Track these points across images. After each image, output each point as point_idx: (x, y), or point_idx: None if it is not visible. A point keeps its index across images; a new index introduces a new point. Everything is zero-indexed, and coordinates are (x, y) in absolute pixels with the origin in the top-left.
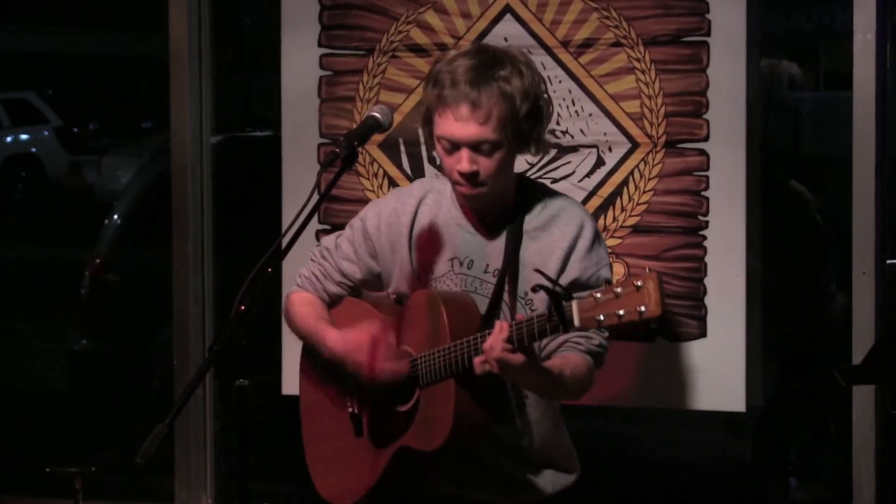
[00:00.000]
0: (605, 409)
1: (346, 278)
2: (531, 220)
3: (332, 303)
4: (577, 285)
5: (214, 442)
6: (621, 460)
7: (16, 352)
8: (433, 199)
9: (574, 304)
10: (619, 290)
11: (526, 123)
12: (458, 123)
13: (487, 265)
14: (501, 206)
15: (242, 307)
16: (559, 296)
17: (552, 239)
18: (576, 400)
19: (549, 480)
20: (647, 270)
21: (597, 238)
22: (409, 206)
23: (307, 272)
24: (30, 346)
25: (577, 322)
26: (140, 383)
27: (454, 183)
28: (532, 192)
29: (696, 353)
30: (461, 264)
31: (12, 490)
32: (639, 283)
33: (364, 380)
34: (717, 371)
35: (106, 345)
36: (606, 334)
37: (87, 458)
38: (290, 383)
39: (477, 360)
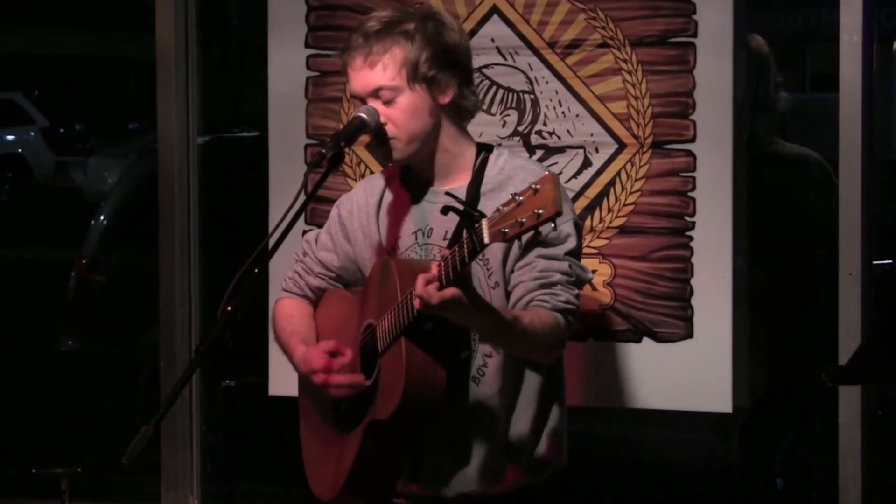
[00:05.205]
0: (591, 410)
1: (325, 269)
2: (488, 182)
3: (317, 298)
4: (536, 243)
5: (201, 443)
6: (607, 461)
7: (1, 352)
8: (400, 179)
9: (484, 221)
10: (520, 198)
11: (428, 68)
12: (354, 74)
13: (446, 231)
14: (455, 170)
15: (229, 308)
16: (471, 216)
17: (506, 197)
18: (547, 357)
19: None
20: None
21: None
22: (377, 187)
23: (291, 272)
24: (16, 347)
25: (486, 238)
26: (126, 384)
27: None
28: (491, 156)
29: (683, 354)
30: (423, 234)
31: None
32: (537, 187)
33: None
34: (704, 372)
35: (92, 345)
36: (576, 291)
37: (73, 459)
38: (277, 384)
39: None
